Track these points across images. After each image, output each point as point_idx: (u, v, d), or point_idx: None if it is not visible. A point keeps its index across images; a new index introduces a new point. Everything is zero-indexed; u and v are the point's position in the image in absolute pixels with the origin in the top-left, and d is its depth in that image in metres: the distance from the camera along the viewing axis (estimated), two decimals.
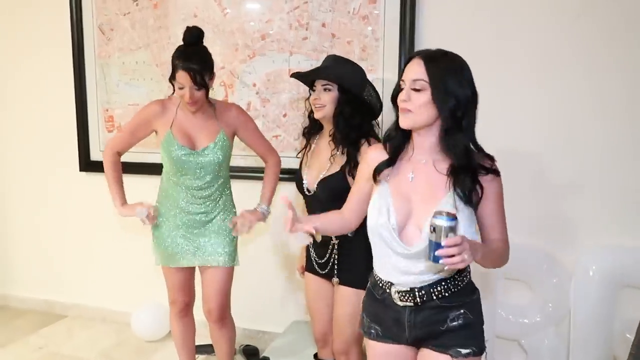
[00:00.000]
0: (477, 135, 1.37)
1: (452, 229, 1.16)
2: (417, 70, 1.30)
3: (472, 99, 1.32)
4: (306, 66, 2.58)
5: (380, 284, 1.40)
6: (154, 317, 2.88)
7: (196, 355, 2.38)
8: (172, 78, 1.97)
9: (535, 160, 2.30)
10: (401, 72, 1.37)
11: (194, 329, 2.31)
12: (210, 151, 2.02)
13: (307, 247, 2.00)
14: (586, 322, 2.16)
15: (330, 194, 1.81)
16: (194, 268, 2.18)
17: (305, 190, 1.94)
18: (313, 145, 2.01)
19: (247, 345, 2.75)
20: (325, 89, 1.84)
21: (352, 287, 1.83)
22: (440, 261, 1.16)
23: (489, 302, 2.34)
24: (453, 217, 1.17)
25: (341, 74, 1.85)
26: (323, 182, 1.85)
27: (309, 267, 2.01)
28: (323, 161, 1.90)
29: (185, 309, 2.23)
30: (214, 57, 2.06)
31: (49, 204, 3.22)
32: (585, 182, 2.26)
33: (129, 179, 2.97)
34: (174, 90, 2.01)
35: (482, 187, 1.31)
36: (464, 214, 1.30)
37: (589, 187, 2.26)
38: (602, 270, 2.16)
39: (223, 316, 2.17)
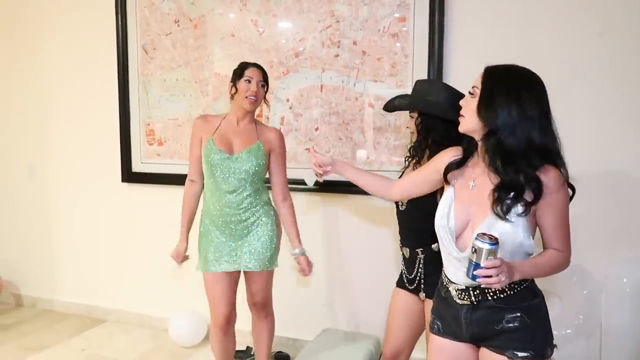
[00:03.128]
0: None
1: (492, 252, 1.21)
2: (477, 77, 1.38)
3: (527, 117, 1.29)
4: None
5: (444, 282, 1.48)
6: (190, 324, 2.99)
7: None
8: (236, 78, 2.17)
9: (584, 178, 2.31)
10: None
11: (234, 345, 2.38)
12: (245, 157, 2.14)
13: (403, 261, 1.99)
14: (618, 334, 2.15)
15: (420, 211, 1.83)
16: (236, 279, 2.26)
17: (399, 205, 1.95)
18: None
19: (278, 352, 2.82)
20: (411, 117, 1.95)
21: None
22: (477, 280, 1.23)
23: None
24: (495, 242, 1.21)
25: (418, 101, 1.89)
26: (414, 199, 1.80)
27: (399, 282, 2.01)
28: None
29: (227, 325, 2.26)
30: (232, 81, 2.22)
31: (92, 212, 3.39)
32: (616, 193, 2.26)
33: (166, 189, 3.13)
34: (236, 90, 2.17)
35: (541, 187, 1.28)
36: (521, 219, 1.30)
37: (619, 198, 2.26)
38: (634, 281, 2.16)
39: (266, 306, 2.32)
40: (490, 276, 1.21)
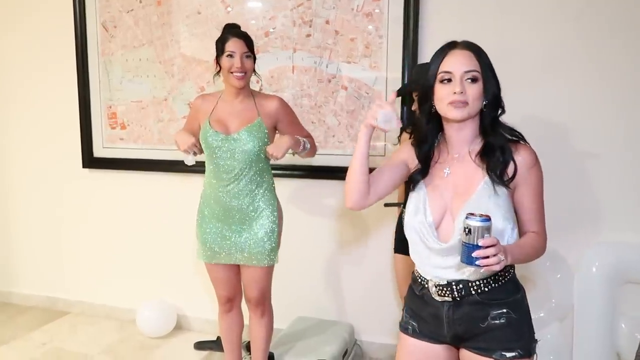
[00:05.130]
0: None
1: (487, 229, 1.14)
2: (468, 62, 1.29)
3: (497, 78, 1.34)
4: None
5: (420, 280, 1.39)
6: (159, 314, 2.89)
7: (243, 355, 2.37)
8: (219, 54, 1.99)
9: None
10: (437, 64, 1.31)
11: (239, 324, 2.26)
12: (243, 137, 1.97)
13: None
14: (589, 318, 2.18)
15: None
16: (235, 269, 2.15)
17: None
18: None
19: (250, 341, 2.76)
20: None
21: None
22: (477, 262, 1.13)
23: None
24: (487, 218, 1.15)
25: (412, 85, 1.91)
26: None
27: (400, 250, 2.11)
28: None
29: (229, 304, 2.19)
30: (215, 57, 2.06)
31: (51, 200, 3.23)
32: (589, 179, 2.27)
33: (130, 175, 3.01)
34: (220, 69, 2.01)
35: (515, 164, 1.28)
36: (501, 200, 1.28)
37: (592, 184, 2.27)
38: (605, 266, 2.18)
39: (262, 303, 2.14)
40: (488, 257, 1.12)
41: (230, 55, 1.96)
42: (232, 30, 2.02)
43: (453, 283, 1.31)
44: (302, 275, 2.76)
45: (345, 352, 2.46)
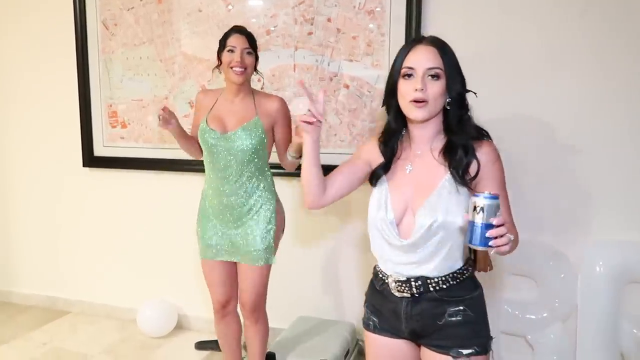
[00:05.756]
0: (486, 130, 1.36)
1: (498, 208, 1.10)
2: (431, 58, 1.26)
3: (463, 76, 1.32)
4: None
5: (380, 275, 1.39)
6: (160, 313, 2.88)
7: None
8: (220, 50, 1.99)
9: (542, 156, 2.29)
10: (401, 59, 1.29)
11: (236, 329, 2.22)
12: (238, 136, 1.94)
13: None
14: (593, 318, 2.16)
15: None
16: (234, 264, 2.11)
17: None
18: None
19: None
20: None
21: None
22: (490, 243, 1.09)
23: (495, 298, 2.34)
24: (496, 196, 1.10)
25: None
26: None
27: None
28: None
29: (223, 309, 2.15)
30: (217, 52, 2.04)
31: (52, 199, 3.21)
32: (593, 177, 2.25)
33: (131, 174, 2.99)
34: (220, 64, 1.99)
35: (478, 162, 1.27)
36: (462, 198, 1.26)
37: (596, 183, 2.25)
38: (608, 265, 2.16)
39: (256, 310, 2.09)
40: (501, 236, 1.09)
41: (231, 50, 1.94)
42: (235, 27, 2.01)
43: (412, 279, 1.31)
44: (302, 275, 2.75)
45: (347, 352, 2.44)
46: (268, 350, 2.30)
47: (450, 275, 1.30)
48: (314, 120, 1.25)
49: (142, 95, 2.90)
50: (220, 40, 2.01)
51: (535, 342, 2.29)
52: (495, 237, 1.09)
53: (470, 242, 1.12)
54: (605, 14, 2.17)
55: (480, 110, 2.23)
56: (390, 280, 1.35)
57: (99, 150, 3.03)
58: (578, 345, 2.21)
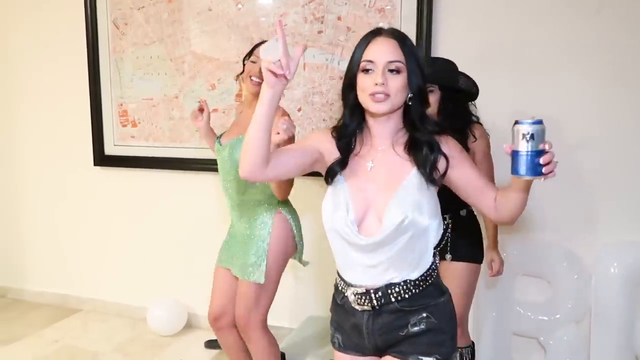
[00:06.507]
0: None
1: (545, 132, 1.04)
2: (392, 51, 1.19)
3: (424, 70, 1.25)
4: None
5: (340, 287, 1.30)
6: (170, 312, 2.89)
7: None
8: (246, 58, 1.99)
9: (556, 156, 2.26)
10: (358, 53, 1.23)
11: (235, 343, 2.08)
12: (230, 148, 1.92)
13: None
14: (607, 320, 2.13)
15: None
16: (234, 280, 2.01)
17: None
18: None
19: None
20: (429, 91, 1.88)
21: (462, 261, 1.92)
22: (544, 170, 1.04)
23: (507, 299, 2.31)
24: (540, 120, 1.05)
25: (438, 75, 1.89)
26: None
27: None
28: None
29: (216, 322, 2.06)
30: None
31: (63, 198, 3.23)
32: (607, 178, 2.22)
33: (141, 173, 3.00)
34: (244, 69, 1.99)
35: (446, 157, 1.22)
36: (431, 193, 1.22)
37: (610, 183, 2.22)
38: (623, 267, 2.13)
39: (247, 328, 1.96)
40: (551, 162, 1.04)
41: (254, 62, 1.94)
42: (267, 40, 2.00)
43: (372, 291, 1.23)
44: (312, 275, 2.74)
45: None
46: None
47: (413, 282, 1.22)
48: (281, 73, 1.09)
49: (153, 95, 2.91)
50: (250, 50, 2.01)
51: (548, 343, 2.26)
52: (548, 163, 1.04)
53: (519, 173, 1.05)
54: (619, 13, 2.14)
55: (492, 108, 2.22)
56: (349, 292, 1.26)
57: (109, 149, 3.04)
58: (592, 346, 2.18)
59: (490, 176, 1.94)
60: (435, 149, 1.21)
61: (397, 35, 1.22)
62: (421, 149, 1.22)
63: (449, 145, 1.24)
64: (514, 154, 1.06)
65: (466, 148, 1.89)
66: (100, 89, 2.99)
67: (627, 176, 2.19)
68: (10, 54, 3.21)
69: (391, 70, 1.19)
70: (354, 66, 1.23)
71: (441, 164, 1.22)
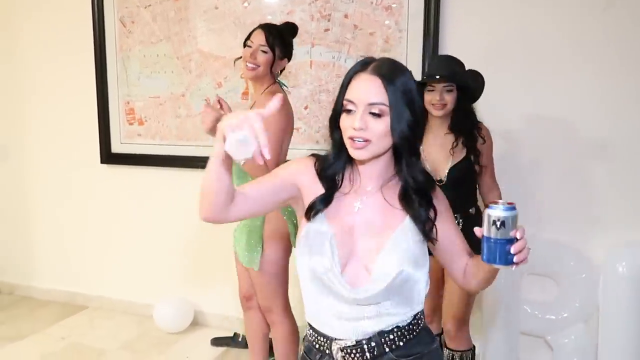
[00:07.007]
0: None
1: (517, 219, 0.97)
2: (374, 92, 1.04)
3: (422, 115, 1.12)
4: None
5: (317, 345, 1.14)
6: (176, 309, 2.90)
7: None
8: (245, 41, 1.94)
9: (563, 154, 2.25)
10: (343, 89, 1.09)
11: (258, 326, 2.12)
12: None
13: None
14: (615, 319, 2.11)
15: (459, 180, 1.90)
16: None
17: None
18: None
19: None
20: (448, 90, 1.89)
21: None
22: (515, 259, 0.97)
23: (514, 298, 2.30)
24: (513, 206, 0.97)
25: (464, 77, 1.92)
26: (454, 170, 1.91)
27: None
28: (443, 153, 1.94)
29: (247, 302, 2.12)
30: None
31: (71, 196, 3.25)
32: (616, 178, 2.20)
33: (148, 171, 3.01)
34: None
35: (435, 212, 1.12)
36: (423, 246, 1.12)
37: (619, 183, 2.20)
38: (631, 266, 2.11)
39: (268, 312, 2.01)
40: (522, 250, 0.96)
41: (249, 46, 1.91)
42: (263, 24, 1.96)
43: (364, 341, 1.09)
44: None
45: None
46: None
47: (405, 328, 1.11)
48: (262, 162, 0.92)
49: (159, 93, 2.91)
50: (248, 35, 1.96)
51: (555, 343, 2.25)
52: (519, 252, 0.96)
53: (489, 261, 0.99)
54: (629, 10, 2.12)
55: (500, 108, 2.21)
56: (334, 348, 1.11)
57: (116, 147, 3.05)
58: (600, 346, 2.17)
59: (494, 176, 1.98)
60: (429, 205, 1.11)
61: (385, 73, 1.05)
62: (414, 201, 1.10)
63: (438, 199, 1.14)
64: (484, 240, 0.99)
65: (475, 150, 1.90)
66: (107, 87, 3.00)
67: (635, 175, 2.18)
68: (18, 53, 3.22)
69: (372, 114, 1.04)
70: (337, 103, 1.10)
71: (432, 216, 1.12)
